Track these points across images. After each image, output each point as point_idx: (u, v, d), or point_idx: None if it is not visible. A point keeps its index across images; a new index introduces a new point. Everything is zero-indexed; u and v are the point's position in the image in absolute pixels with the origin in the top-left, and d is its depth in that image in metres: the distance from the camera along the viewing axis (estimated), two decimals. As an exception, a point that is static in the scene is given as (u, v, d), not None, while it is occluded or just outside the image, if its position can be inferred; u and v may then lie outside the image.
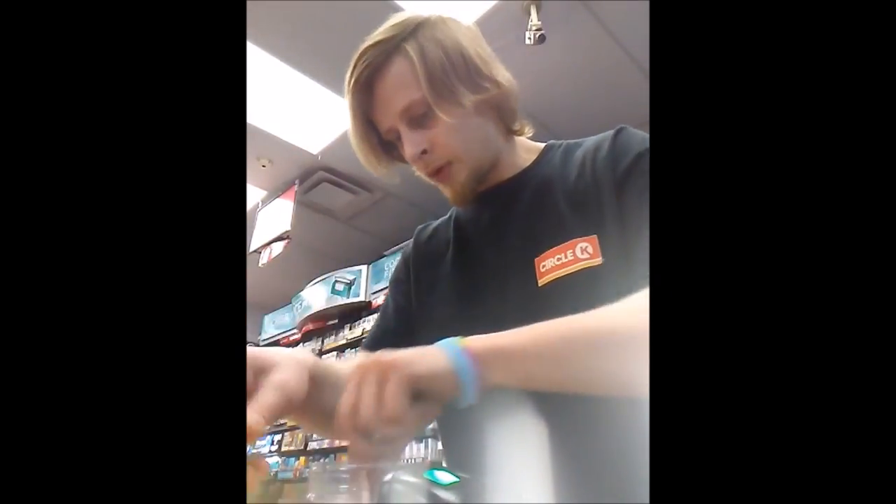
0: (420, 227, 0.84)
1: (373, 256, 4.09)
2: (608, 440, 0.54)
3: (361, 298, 4.03)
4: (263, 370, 0.45)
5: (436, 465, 0.35)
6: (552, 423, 0.57)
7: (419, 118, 0.62)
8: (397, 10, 2.17)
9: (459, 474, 0.33)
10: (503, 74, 0.66)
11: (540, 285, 0.61)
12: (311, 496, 0.36)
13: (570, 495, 0.53)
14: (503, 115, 0.68)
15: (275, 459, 4.38)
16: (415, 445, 3.16)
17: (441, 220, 0.82)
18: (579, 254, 0.59)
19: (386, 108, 0.63)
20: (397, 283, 0.80)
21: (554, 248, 0.61)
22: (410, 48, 0.61)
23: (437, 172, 0.65)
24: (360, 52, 0.63)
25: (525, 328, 0.46)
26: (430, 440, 3.09)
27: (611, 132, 0.65)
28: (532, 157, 0.72)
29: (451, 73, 0.61)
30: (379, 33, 0.63)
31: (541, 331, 0.46)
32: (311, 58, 2.53)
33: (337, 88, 2.70)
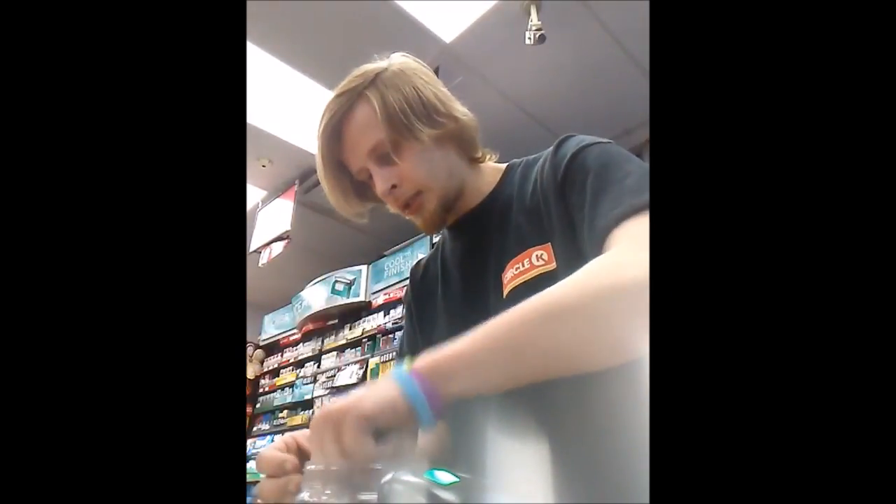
0: (413, 265, 0.89)
1: (373, 256, 4.09)
2: (608, 439, 0.54)
3: (361, 298, 4.02)
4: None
5: (436, 465, 0.35)
6: (551, 423, 0.57)
7: (386, 156, 0.68)
8: (397, 10, 2.17)
9: (459, 474, 0.33)
10: (460, 110, 0.72)
11: (504, 297, 0.64)
12: (304, 495, 0.36)
13: (569, 495, 0.53)
14: (464, 146, 0.74)
15: (275, 459, 4.35)
16: (415, 445, 3.15)
17: (430, 253, 0.87)
18: (535, 261, 0.63)
19: (355, 150, 0.69)
20: (406, 332, 0.84)
21: (513, 260, 0.65)
22: (371, 94, 0.68)
23: (408, 204, 0.71)
24: (327, 104, 0.70)
25: (474, 332, 0.46)
26: (430, 440, 3.08)
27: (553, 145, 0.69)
28: (496, 180, 0.77)
29: (409, 112, 0.67)
30: (342, 85, 0.70)
31: (486, 329, 0.46)
32: (311, 58, 2.53)
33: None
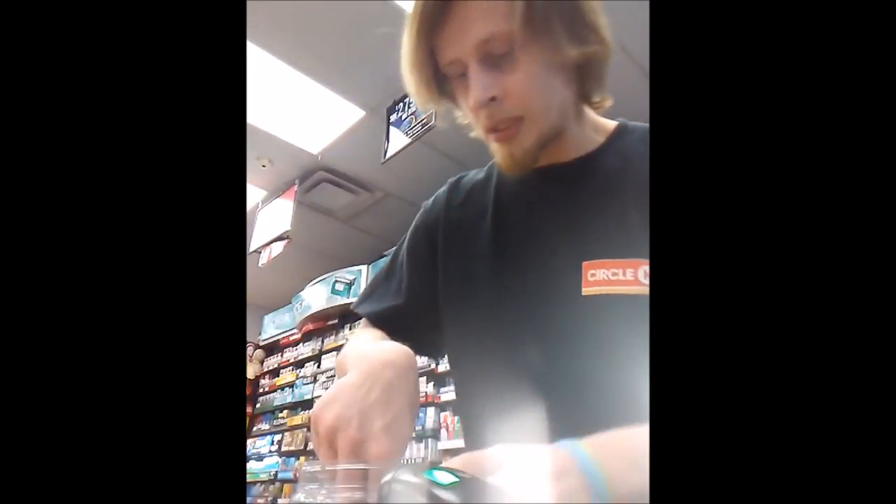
0: (451, 181, 0.71)
1: (373, 256, 4.09)
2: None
3: (361, 298, 4.02)
4: None
5: (436, 465, 0.34)
6: (551, 423, 0.57)
7: (497, 58, 0.51)
8: (397, 10, 2.17)
9: (459, 474, 0.33)
10: (606, 31, 0.54)
11: (584, 294, 0.53)
12: (300, 496, 0.36)
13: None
14: (590, 79, 0.57)
15: (275, 459, 4.38)
16: (414, 445, 3.17)
17: (476, 177, 0.70)
18: (642, 278, 0.50)
19: (461, 34, 0.51)
20: (415, 255, 0.69)
21: (611, 261, 0.52)
22: None
23: (501, 128, 0.54)
24: None
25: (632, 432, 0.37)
26: (429, 440, 3.09)
27: None
28: (601, 139, 0.61)
29: (555, 10, 0.50)
30: None
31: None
32: (311, 58, 2.53)
33: (337, 88, 2.71)
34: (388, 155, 2.67)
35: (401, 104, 2.66)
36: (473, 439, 0.64)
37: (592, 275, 0.53)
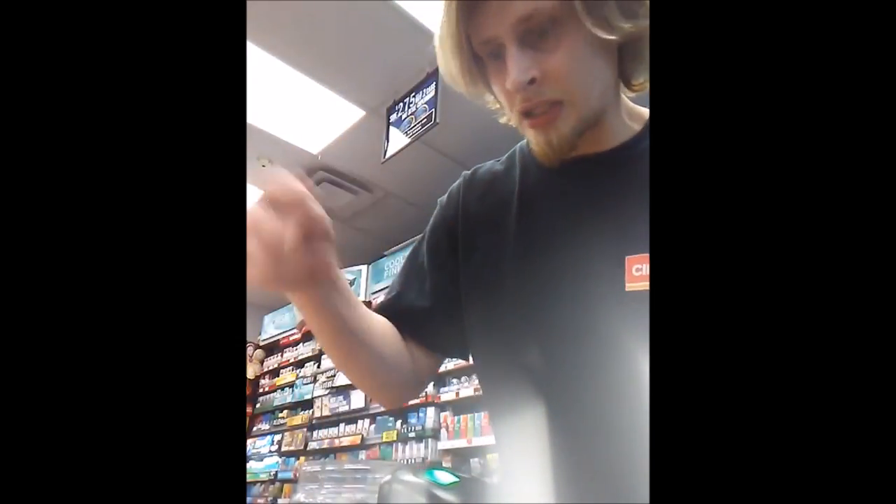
0: (466, 174, 0.67)
1: (373, 256, 4.08)
2: (612, 443, 0.54)
3: (361, 298, 4.02)
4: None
5: (436, 465, 0.35)
6: (553, 424, 0.57)
7: (537, 36, 0.48)
8: (397, 10, 2.17)
9: (459, 474, 0.33)
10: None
11: (627, 289, 0.51)
12: (300, 496, 0.36)
13: (570, 495, 0.53)
14: (633, 59, 0.53)
15: (275, 459, 4.38)
16: (415, 445, 3.17)
17: (494, 168, 0.67)
18: None
19: (499, 10, 0.48)
20: (437, 255, 0.66)
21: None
22: None
23: (537, 113, 0.51)
24: None
25: None
26: (429, 440, 3.09)
27: None
28: (636, 127, 0.57)
29: None
30: None
31: None
32: (311, 58, 2.53)
33: (337, 88, 2.71)
34: (387, 155, 2.67)
35: (401, 104, 2.66)
36: (503, 441, 0.63)
37: (638, 269, 0.50)
